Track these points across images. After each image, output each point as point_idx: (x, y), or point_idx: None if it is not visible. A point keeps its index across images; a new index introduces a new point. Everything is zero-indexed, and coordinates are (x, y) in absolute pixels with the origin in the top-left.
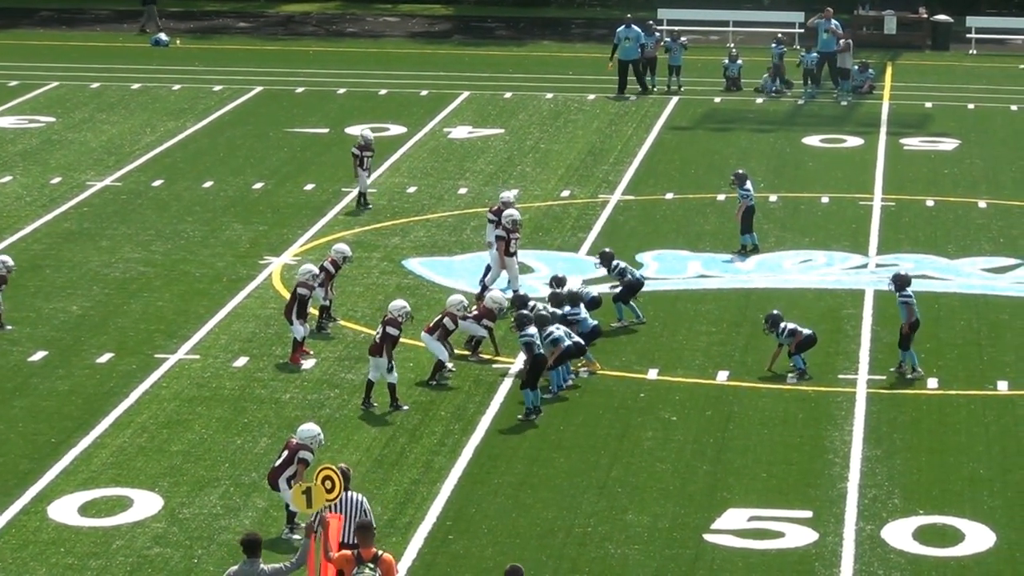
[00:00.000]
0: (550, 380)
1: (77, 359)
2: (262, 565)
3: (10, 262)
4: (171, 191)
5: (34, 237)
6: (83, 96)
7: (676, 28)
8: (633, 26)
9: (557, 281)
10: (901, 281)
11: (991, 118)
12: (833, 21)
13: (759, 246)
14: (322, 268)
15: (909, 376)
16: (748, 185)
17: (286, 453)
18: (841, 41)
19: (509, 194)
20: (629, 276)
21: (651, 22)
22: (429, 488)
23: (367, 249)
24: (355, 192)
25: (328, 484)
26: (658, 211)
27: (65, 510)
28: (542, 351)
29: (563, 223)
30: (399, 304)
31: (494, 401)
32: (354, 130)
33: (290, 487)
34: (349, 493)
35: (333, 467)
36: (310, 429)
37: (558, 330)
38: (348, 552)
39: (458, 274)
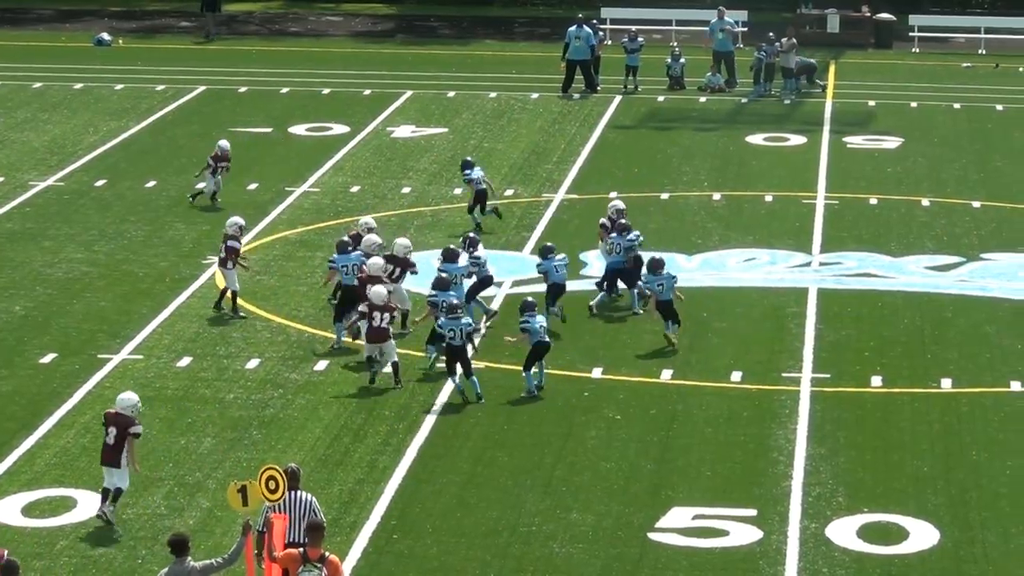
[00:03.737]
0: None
1: (20, 359)
2: (192, 563)
3: None
4: (114, 191)
5: None
6: (25, 96)
7: (625, 27)
8: (584, 26)
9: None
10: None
11: (934, 116)
12: (728, 20)
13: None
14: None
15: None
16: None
17: (114, 430)
18: (784, 40)
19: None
20: (481, 270)
21: (595, 21)
22: (373, 488)
23: (311, 248)
24: (200, 188)
25: (272, 485)
26: (602, 210)
27: (8, 511)
28: (546, 338)
29: (507, 222)
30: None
31: (438, 400)
32: (298, 129)
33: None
34: (299, 493)
35: (277, 468)
36: (130, 398)
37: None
38: (294, 551)
39: None
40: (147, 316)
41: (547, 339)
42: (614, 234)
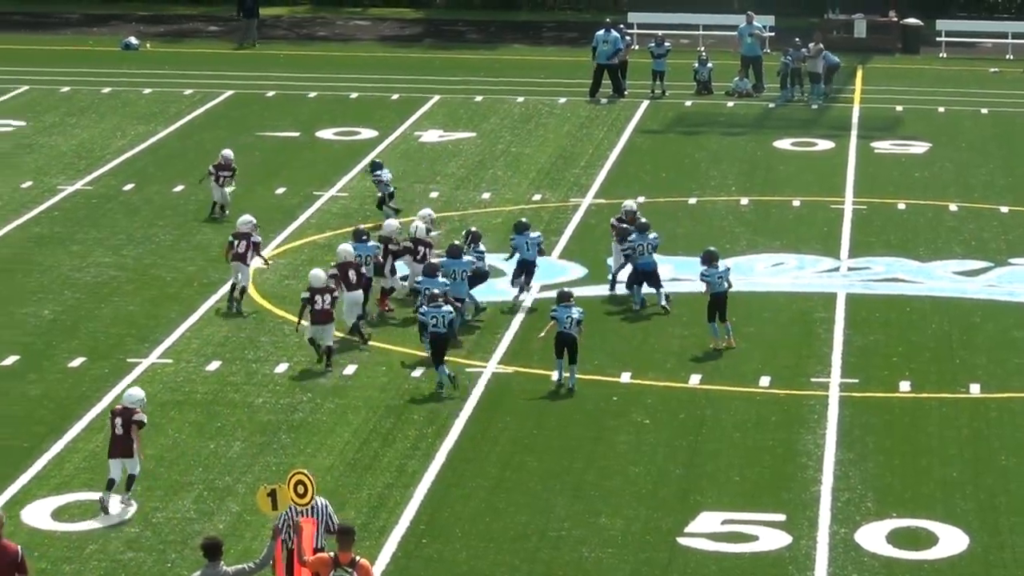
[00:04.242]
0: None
1: (49, 363)
2: (224, 567)
3: None
4: (142, 195)
5: (5, 242)
6: (53, 100)
7: (651, 32)
8: (612, 30)
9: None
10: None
11: (961, 121)
12: (756, 24)
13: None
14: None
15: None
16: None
17: (120, 420)
18: (811, 45)
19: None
20: (481, 265)
21: (622, 26)
22: (402, 492)
23: (331, 254)
24: (210, 203)
25: (300, 489)
26: None
27: (38, 515)
28: (571, 331)
29: (534, 227)
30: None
31: (467, 405)
32: (325, 133)
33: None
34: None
35: (306, 472)
36: (136, 393)
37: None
38: (325, 555)
39: None
40: (176, 320)
41: (572, 332)
42: (635, 234)
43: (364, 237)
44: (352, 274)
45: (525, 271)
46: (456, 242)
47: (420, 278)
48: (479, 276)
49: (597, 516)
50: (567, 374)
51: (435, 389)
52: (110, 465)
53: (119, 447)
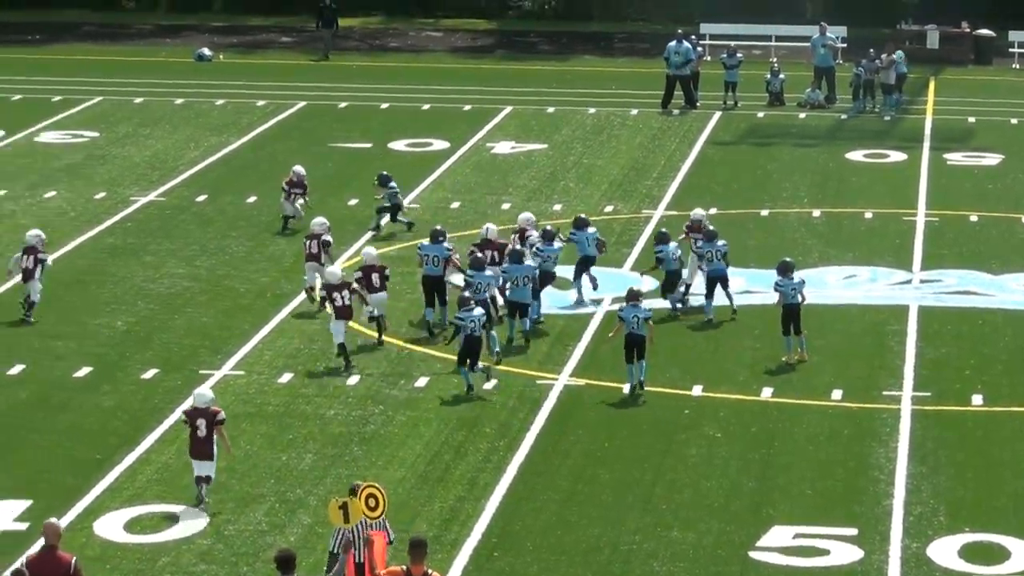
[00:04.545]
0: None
1: (122, 375)
2: None
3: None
4: (215, 206)
5: (79, 252)
6: (127, 111)
7: (724, 43)
8: (684, 41)
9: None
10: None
11: None
12: (830, 35)
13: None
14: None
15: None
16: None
17: (203, 421)
18: (883, 56)
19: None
20: (547, 264)
21: (694, 36)
22: (474, 505)
23: (410, 264)
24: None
25: (372, 502)
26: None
27: (111, 527)
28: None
29: (606, 238)
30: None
31: (539, 417)
32: (397, 145)
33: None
34: None
35: (377, 486)
36: (207, 392)
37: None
38: (397, 568)
39: None
40: (248, 332)
41: (640, 332)
42: (701, 241)
43: (440, 238)
44: (376, 277)
45: (586, 266)
46: (518, 247)
47: (470, 271)
48: (546, 276)
49: (668, 529)
50: (637, 373)
51: (465, 391)
52: (195, 465)
53: (201, 448)
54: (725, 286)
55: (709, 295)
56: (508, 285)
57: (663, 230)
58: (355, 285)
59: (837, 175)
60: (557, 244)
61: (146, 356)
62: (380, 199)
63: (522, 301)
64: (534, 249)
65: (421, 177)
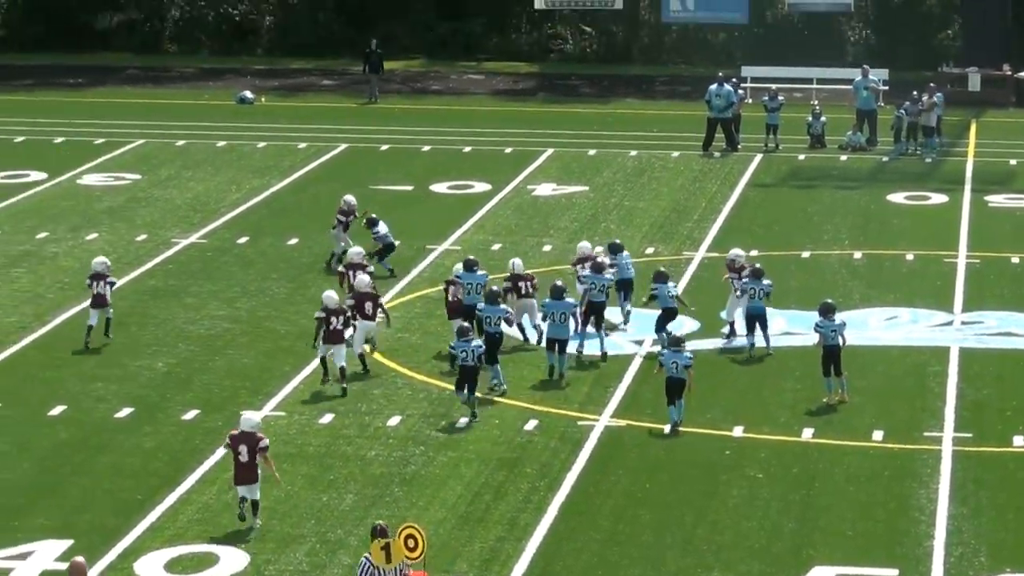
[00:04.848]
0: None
1: (163, 416)
2: None
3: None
4: (256, 248)
5: (120, 294)
6: (169, 153)
7: (765, 86)
8: (725, 84)
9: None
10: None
11: None
12: (872, 78)
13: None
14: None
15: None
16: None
17: (245, 447)
18: (924, 99)
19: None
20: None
21: (734, 79)
22: (515, 545)
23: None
24: (342, 250)
25: (411, 543)
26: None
27: (152, 567)
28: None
29: (648, 280)
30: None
31: (580, 458)
32: (439, 187)
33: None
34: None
35: (416, 526)
36: (252, 417)
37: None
38: None
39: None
40: (289, 373)
41: (681, 376)
42: (747, 278)
43: (475, 267)
44: (368, 306)
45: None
46: (559, 282)
47: (482, 305)
48: (595, 308)
49: (709, 571)
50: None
51: (470, 417)
52: (238, 490)
53: (244, 474)
54: (764, 326)
55: (750, 332)
56: (547, 322)
57: (661, 269)
58: (348, 313)
59: (878, 217)
60: (608, 275)
61: (187, 397)
62: (374, 243)
63: (561, 337)
64: (581, 278)
65: (462, 219)
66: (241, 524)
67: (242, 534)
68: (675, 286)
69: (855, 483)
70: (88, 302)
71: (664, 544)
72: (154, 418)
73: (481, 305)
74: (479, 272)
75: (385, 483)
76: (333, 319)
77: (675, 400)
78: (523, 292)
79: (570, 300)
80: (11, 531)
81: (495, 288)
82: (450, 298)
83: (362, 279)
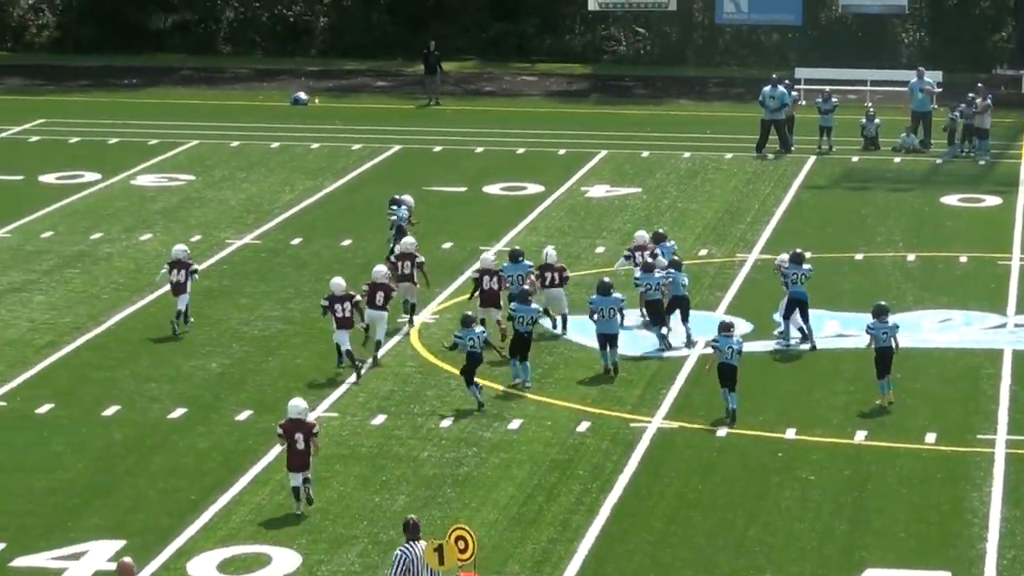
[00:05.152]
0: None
1: (216, 416)
2: None
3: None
4: (310, 249)
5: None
6: (223, 154)
7: (819, 87)
8: (778, 86)
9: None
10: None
11: None
12: (927, 80)
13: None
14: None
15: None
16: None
17: (301, 435)
18: (978, 101)
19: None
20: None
21: (788, 81)
22: (567, 547)
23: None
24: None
25: (461, 544)
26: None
27: (204, 566)
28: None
29: (700, 282)
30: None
31: (632, 460)
32: (492, 188)
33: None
34: (420, 544)
35: (466, 528)
36: (300, 403)
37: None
38: None
39: (592, 331)
40: (342, 374)
41: (733, 362)
42: (788, 263)
43: (520, 258)
44: (380, 296)
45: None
46: (606, 278)
47: (515, 305)
48: (652, 304)
49: (761, 572)
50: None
51: (476, 409)
52: (291, 477)
53: (299, 461)
54: (804, 312)
55: (787, 316)
56: (596, 316)
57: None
58: (358, 298)
59: (932, 219)
60: (658, 274)
61: (240, 398)
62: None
63: (610, 332)
64: (635, 280)
65: (515, 221)
66: (305, 508)
67: (294, 534)
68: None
69: (908, 485)
70: (168, 288)
71: (716, 546)
72: (208, 419)
73: (514, 305)
74: (524, 262)
75: (437, 484)
76: (338, 306)
77: (730, 387)
78: (548, 282)
79: (618, 296)
80: (65, 531)
81: (526, 287)
82: (484, 287)
83: (379, 269)
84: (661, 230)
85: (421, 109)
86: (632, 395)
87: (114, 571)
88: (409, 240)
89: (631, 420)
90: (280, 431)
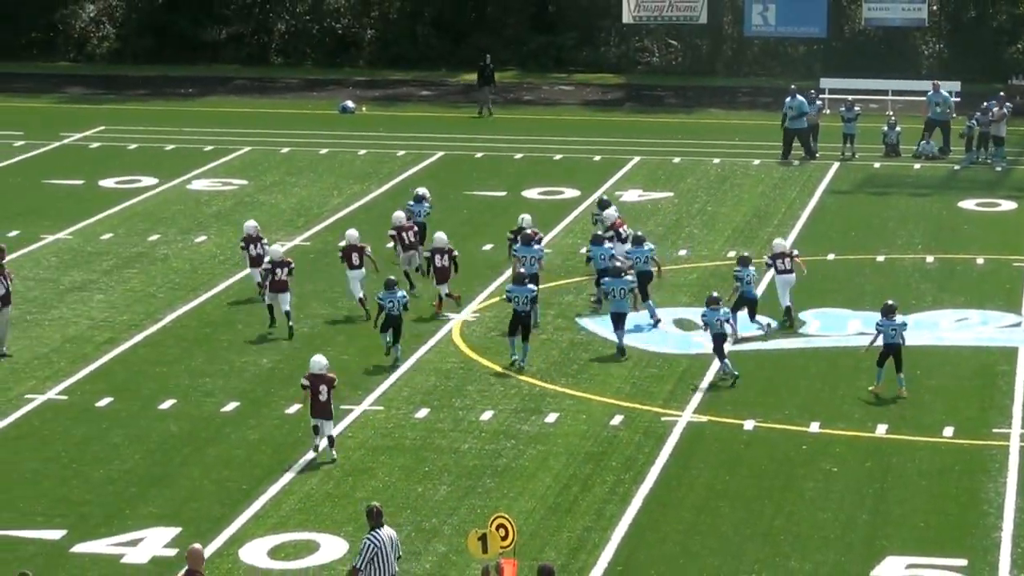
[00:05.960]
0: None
1: (267, 410)
2: None
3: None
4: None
5: (227, 294)
6: (274, 160)
7: (842, 97)
8: (799, 96)
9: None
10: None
11: None
12: (943, 93)
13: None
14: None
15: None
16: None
17: (325, 387)
18: (995, 110)
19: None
20: (641, 265)
21: (812, 91)
22: (601, 535)
23: (542, 306)
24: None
25: (502, 532)
26: (820, 271)
27: (255, 553)
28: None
29: (729, 282)
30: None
31: (663, 452)
32: (530, 193)
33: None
34: (385, 530)
35: (507, 516)
36: (321, 359)
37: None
38: None
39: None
40: (386, 369)
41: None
42: (739, 266)
43: (532, 242)
44: (355, 256)
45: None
46: (617, 262)
47: (510, 286)
48: (643, 276)
49: (787, 560)
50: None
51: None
52: (313, 421)
53: (323, 409)
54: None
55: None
56: (609, 298)
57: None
58: (368, 249)
59: (950, 223)
60: (648, 246)
61: (289, 392)
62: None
63: (621, 311)
64: (627, 254)
65: (553, 223)
66: (317, 455)
67: (341, 522)
68: (612, 248)
69: (926, 477)
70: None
71: (743, 535)
72: (259, 412)
73: (509, 286)
74: (536, 247)
75: (478, 475)
76: (278, 270)
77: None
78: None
79: (629, 278)
80: (123, 519)
81: (521, 270)
82: (437, 264)
83: (350, 233)
84: (640, 233)
85: (459, 116)
86: (663, 390)
87: (172, 557)
88: (439, 235)
89: (662, 414)
90: (305, 383)
